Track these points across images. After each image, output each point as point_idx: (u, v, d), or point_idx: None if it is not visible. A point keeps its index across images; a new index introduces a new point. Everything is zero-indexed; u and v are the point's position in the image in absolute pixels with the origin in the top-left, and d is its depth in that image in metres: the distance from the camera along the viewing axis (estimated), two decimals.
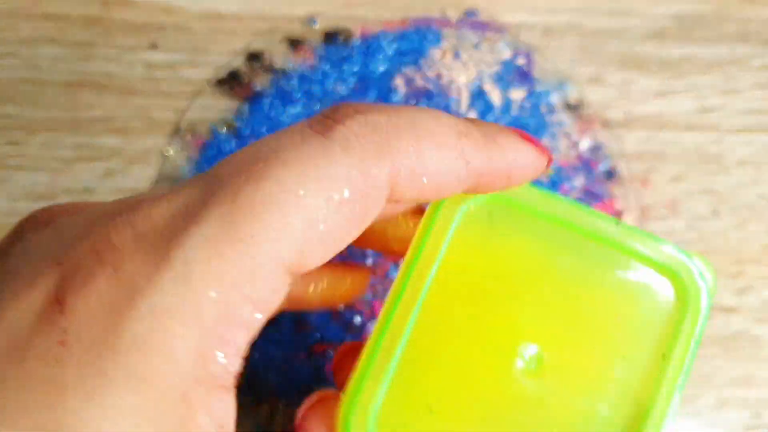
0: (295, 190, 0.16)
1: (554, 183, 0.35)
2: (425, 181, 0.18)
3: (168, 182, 0.35)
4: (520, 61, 0.37)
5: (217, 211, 0.16)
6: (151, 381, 0.15)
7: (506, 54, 0.37)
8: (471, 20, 0.37)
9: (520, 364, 0.20)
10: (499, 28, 0.37)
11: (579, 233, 0.21)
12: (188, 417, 0.15)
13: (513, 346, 0.20)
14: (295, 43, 0.37)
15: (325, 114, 0.18)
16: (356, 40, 0.37)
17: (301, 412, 0.21)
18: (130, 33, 0.37)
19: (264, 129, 0.36)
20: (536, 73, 0.37)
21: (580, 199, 0.35)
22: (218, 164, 0.17)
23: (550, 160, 0.20)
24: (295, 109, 0.36)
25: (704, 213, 0.36)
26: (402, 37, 0.37)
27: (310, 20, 0.37)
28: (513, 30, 0.37)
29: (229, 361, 0.16)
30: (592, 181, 0.36)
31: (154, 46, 0.37)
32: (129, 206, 0.17)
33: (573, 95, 0.36)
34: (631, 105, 0.37)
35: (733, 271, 0.35)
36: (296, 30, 0.37)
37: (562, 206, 0.21)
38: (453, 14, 0.37)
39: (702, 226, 0.36)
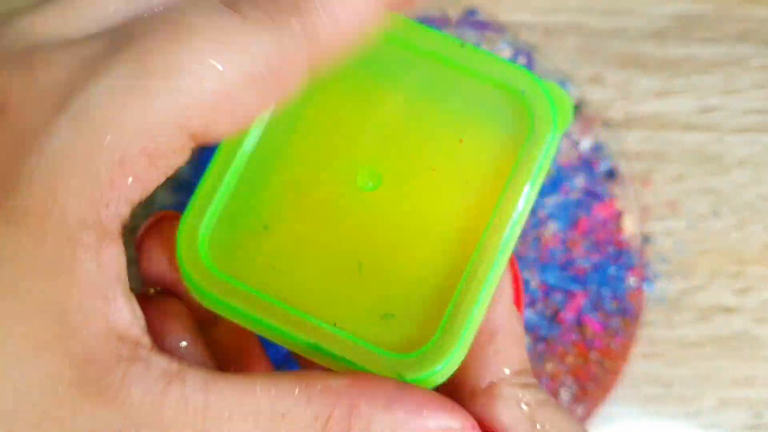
0: (207, 61, 0.16)
1: (555, 182, 0.35)
2: (345, 41, 0.17)
3: (169, 181, 0.35)
4: (521, 60, 0.37)
5: (125, 65, 0.15)
6: (35, 219, 0.15)
7: (506, 53, 0.37)
8: (471, 20, 0.37)
9: (359, 183, 0.20)
10: (499, 28, 0.37)
11: (423, 55, 0.20)
12: (72, 260, 0.15)
13: (353, 167, 0.20)
14: None
15: None
16: None
17: (141, 231, 0.21)
18: None
19: None
20: (537, 72, 0.37)
21: (580, 200, 0.35)
22: (127, 22, 0.17)
23: None
24: None
25: (704, 213, 0.36)
26: None
27: None
28: (513, 29, 0.37)
29: (119, 209, 0.16)
30: (593, 180, 0.36)
31: None
32: (28, 51, 0.16)
33: (573, 95, 0.37)
34: (632, 105, 0.37)
35: (733, 272, 0.35)
36: None
37: (404, 27, 0.20)
38: (453, 13, 0.37)
39: (702, 226, 0.36)
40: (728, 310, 0.35)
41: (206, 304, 0.19)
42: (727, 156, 0.36)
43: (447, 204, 0.20)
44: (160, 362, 0.16)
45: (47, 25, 0.17)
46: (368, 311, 0.19)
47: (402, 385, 0.18)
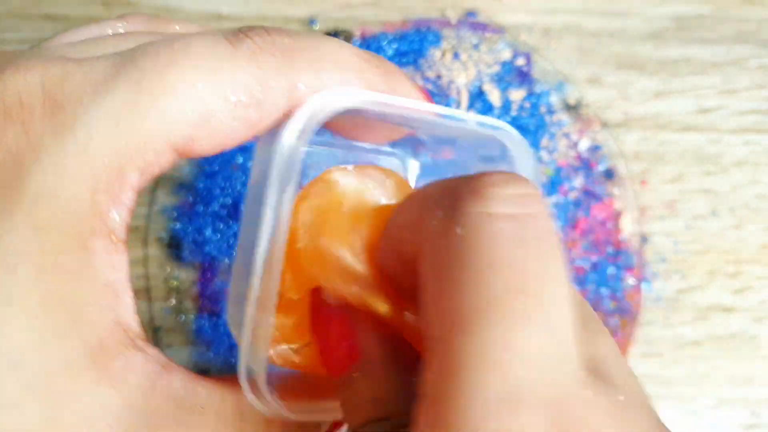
0: (196, 84, 0.18)
1: (553, 183, 0.35)
2: None
3: (169, 181, 0.35)
4: (520, 61, 0.37)
5: (123, 89, 0.18)
6: (51, 228, 0.17)
7: (506, 55, 0.37)
8: (470, 21, 0.37)
9: None
10: (498, 29, 0.37)
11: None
12: (86, 261, 0.18)
13: None
14: None
15: (239, 29, 0.19)
16: (356, 41, 0.37)
17: None
18: None
19: None
20: (535, 73, 0.37)
21: (579, 200, 0.35)
22: (137, 47, 0.19)
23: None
24: None
25: (703, 213, 0.36)
26: (402, 37, 0.37)
27: (311, 21, 0.37)
28: (512, 31, 0.37)
29: (120, 215, 0.18)
30: (592, 181, 0.36)
31: None
32: (43, 64, 0.18)
33: (572, 96, 0.37)
34: (630, 105, 0.37)
35: (731, 271, 0.35)
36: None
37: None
38: (452, 15, 0.37)
39: (700, 226, 0.36)
40: (726, 309, 0.35)
41: None
42: (725, 156, 0.36)
43: None
44: (153, 354, 0.19)
45: (75, 49, 0.20)
46: None
47: None
